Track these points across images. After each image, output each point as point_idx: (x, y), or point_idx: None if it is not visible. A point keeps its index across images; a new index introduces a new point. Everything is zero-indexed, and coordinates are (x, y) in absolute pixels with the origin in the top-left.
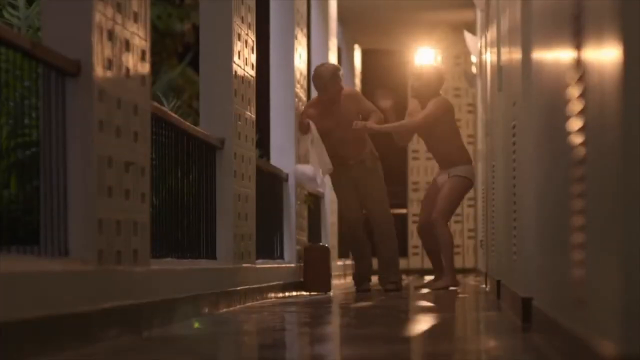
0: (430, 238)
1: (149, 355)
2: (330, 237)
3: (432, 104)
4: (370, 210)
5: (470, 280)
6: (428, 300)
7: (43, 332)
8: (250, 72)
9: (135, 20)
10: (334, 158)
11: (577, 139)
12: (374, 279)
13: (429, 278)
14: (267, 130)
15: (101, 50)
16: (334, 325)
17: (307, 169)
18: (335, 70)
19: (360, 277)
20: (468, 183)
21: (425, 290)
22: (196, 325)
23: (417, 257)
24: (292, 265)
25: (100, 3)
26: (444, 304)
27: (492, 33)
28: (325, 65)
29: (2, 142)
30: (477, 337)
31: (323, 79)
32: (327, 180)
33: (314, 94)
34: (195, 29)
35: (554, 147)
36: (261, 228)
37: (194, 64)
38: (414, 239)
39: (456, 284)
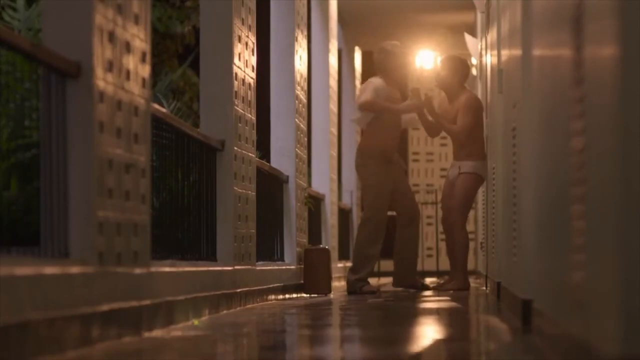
0: (449, 237)
1: (149, 357)
2: (330, 239)
3: (464, 109)
4: (407, 208)
5: (471, 282)
6: (429, 302)
7: (43, 333)
8: (251, 74)
9: (136, 22)
10: (389, 152)
11: (577, 142)
12: (375, 280)
13: (430, 280)
14: (268, 132)
15: (102, 52)
16: (334, 327)
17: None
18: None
19: (365, 279)
20: (478, 179)
21: (428, 293)
22: (196, 323)
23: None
24: (293, 267)
25: (100, 5)
26: (444, 306)
27: (492, 35)
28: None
29: (2, 144)
30: (477, 339)
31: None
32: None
33: (315, 94)
34: (196, 31)
35: (554, 150)
36: (261, 230)
37: (194, 66)
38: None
39: (467, 287)
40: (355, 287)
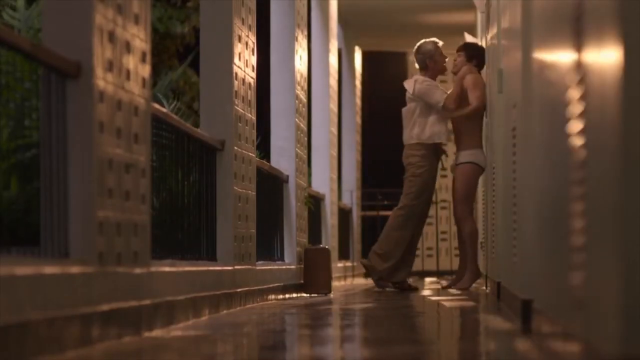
0: (458, 229)
1: (149, 357)
2: (330, 239)
3: (471, 85)
4: (425, 208)
5: None
6: (429, 302)
7: (43, 333)
8: (251, 73)
9: (136, 22)
10: (439, 146)
11: (578, 141)
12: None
13: (431, 280)
14: (268, 132)
15: (102, 52)
16: (334, 327)
17: None
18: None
19: (388, 274)
20: (476, 168)
21: (427, 292)
22: None
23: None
24: (293, 266)
25: (100, 5)
26: (445, 306)
27: (492, 35)
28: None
29: (2, 144)
30: (477, 339)
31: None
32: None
33: (315, 94)
34: (196, 31)
35: (554, 150)
36: (261, 229)
37: (195, 66)
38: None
39: (479, 276)
40: (375, 275)
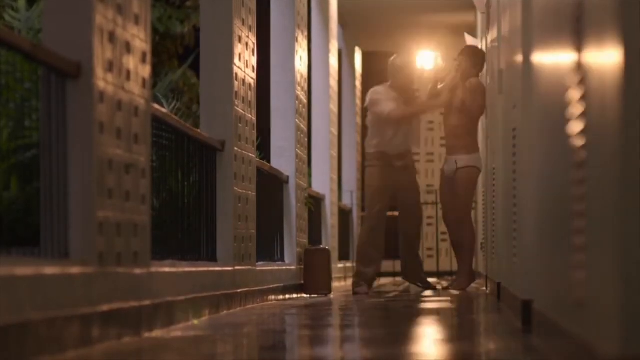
0: (453, 233)
1: (149, 357)
2: (330, 240)
3: (477, 90)
4: (409, 214)
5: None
6: (429, 303)
7: (43, 333)
8: (251, 74)
9: (136, 23)
10: (389, 154)
11: (578, 142)
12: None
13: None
14: (268, 132)
15: (102, 52)
16: (334, 327)
17: None
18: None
19: (363, 279)
20: (476, 172)
21: (429, 293)
22: (195, 322)
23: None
24: (293, 267)
25: (101, 5)
26: (445, 306)
27: (492, 35)
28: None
29: (2, 144)
30: (477, 339)
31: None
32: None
33: (315, 94)
34: (196, 30)
35: (555, 150)
36: (261, 230)
37: (194, 67)
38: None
39: (473, 280)
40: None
